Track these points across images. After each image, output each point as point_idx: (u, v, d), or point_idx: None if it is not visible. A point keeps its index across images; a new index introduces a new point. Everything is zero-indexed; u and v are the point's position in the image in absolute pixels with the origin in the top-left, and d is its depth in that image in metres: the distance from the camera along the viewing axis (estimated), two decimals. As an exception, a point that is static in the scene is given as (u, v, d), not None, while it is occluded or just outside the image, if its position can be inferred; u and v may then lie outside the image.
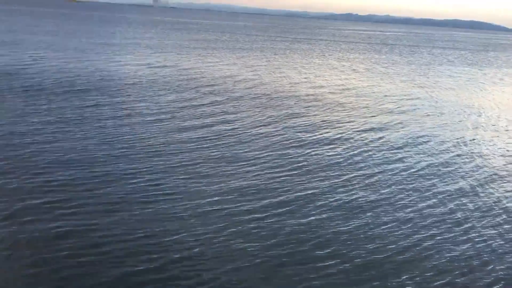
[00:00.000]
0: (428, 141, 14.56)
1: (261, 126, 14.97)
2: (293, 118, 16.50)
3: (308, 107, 18.66)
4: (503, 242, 8.13)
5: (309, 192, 9.72)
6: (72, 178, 9.54)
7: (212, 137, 13.24)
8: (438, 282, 6.80)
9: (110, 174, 9.95)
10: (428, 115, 18.69)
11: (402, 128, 16.13)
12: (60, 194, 8.78)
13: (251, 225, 8.06)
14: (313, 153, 12.39)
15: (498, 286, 6.83)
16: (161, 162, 10.89)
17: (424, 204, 9.51)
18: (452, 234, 8.28)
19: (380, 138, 14.49)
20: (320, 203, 9.19)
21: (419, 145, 14.05)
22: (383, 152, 13.00)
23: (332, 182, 10.36)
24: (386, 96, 22.55)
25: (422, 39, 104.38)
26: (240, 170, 10.74)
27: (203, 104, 17.85)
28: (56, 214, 7.98)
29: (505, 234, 8.46)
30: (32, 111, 14.86)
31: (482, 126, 17.31)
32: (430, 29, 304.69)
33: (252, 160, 11.47)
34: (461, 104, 21.58)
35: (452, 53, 59.82)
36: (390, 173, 11.27)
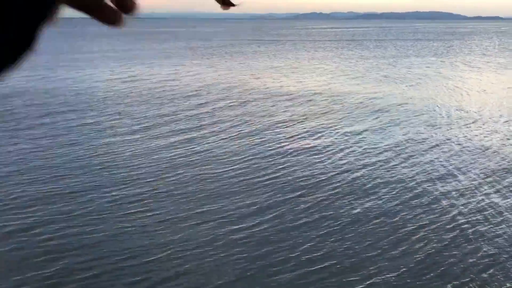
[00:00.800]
0: (408, 136, 14.79)
1: (241, 132, 14.94)
2: (272, 124, 16.54)
3: (287, 109, 18.74)
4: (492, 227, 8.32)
5: (298, 199, 9.75)
6: (42, 197, 9.34)
7: (191, 150, 13.14)
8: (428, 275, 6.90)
9: (83, 191, 9.78)
10: (404, 109, 19.01)
11: (381, 123, 16.36)
12: (30, 212, 8.59)
13: (240, 237, 8.02)
14: (295, 159, 12.41)
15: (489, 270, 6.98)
16: (137, 180, 10.73)
17: (408, 196, 9.66)
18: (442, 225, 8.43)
19: (361, 138, 14.57)
20: (308, 206, 9.23)
21: (399, 141, 14.25)
22: (366, 151, 13.12)
23: (317, 187, 10.41)
24: (360, 92, 22.84)
25: (387, 33, 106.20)
26: (224, 182, 10.70)
27: (179, 117, 17.73)
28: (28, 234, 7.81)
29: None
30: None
31: (458, 114, 17.71)
32: (393, 22, 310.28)
33: (236, 168, 11.40)
34: (434, 94, 22.03)
35: (417, 45, 61.03)
36: (374, 172, 11.39)
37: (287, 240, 7.69)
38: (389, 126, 15.79)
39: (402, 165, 11.61)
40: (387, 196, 9.59)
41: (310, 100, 20.43)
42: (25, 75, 28.47)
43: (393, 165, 11.56)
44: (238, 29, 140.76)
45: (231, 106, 19.35)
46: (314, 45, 61.54)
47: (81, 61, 38.45)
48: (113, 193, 9.63)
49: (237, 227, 8.16)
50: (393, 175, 10.86)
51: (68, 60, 38.80)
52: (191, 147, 13.16)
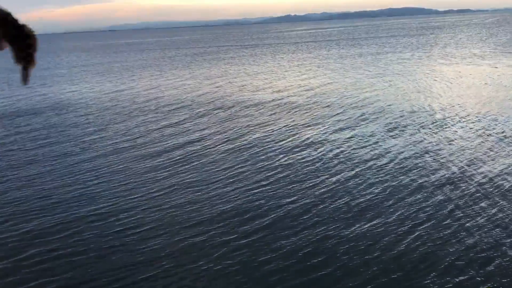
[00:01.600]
0: (398, 131, 14.79)
1: (228, 141, 14.66)
2: (259, 127, 16.35)
3: (271, 114, 18.58)
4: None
5: (290, 202, 9.58)
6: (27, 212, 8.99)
7: (180, 160, 12.88)
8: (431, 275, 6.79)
9: (67, 206, 9.46)
10: (389, 104, 19.04)
11: (369, 121, 16.33)
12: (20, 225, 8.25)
13: (235, 245, 7.81)
14: (286, 161, 12.24)
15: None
16: (127, 194, 10.45)
17: (405, 195, 9.57)
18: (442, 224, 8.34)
19: (351, 135, 14.51)
20: (303, 211, 9.06)
21: (391, 137, 14.21)
22: (357, 149, 13.05)
23: (311, 188, 10.26)
24: (345, 91, 22.84)
25: (362, 31, 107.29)
26: (215, 190, 10.49)
27: (164, 126, 17.47)
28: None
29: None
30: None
31: (443, 105, 17.79)
32: (367, 20, 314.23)
33: (225, 178, 11.17)
34: (418, 88, 22.15)
35: (394, 41, 61.69)
36: (368, 170, 11.31)
37: (284, 247, 7.47)
38: (377, 125, 15.76)
39: (393, 163, 11.54)
40: (383, 195, 9.48)
41: (296, 106, 20.33)
42: (7, 94, 27.83)
43: (383, 164, 11.48)
44: (212, 36, 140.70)
45: (215, 114, 19.14)
46: (292, 48, 61.72)
47: (64, 76, 37.81)
48: (99, 209, 9.32)
49: (231, 237, 7.90)
50: (384, 174, 10.77)
51: (49, 76, 38.14)
52: (179, 158, 12.92)
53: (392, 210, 8.72)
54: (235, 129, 15.96)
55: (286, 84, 26.46)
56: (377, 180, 10.31)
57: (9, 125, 18.67)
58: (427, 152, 12.17)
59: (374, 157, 11.99)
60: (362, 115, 16.98)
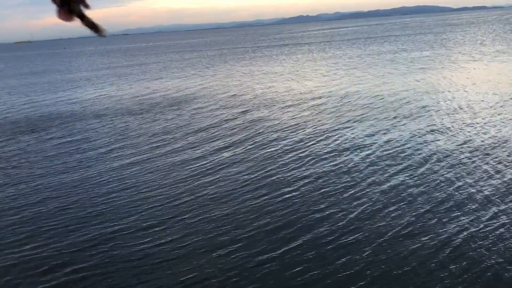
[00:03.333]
0: (440, 131, 14.62)
1: (258, 146, 14.66)
2: (288, 130, 16.34)
3: (303, 115, 18.51)
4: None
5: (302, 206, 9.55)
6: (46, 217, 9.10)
7: (210, 167, 12.90)
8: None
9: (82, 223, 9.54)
10: (424, 103, 18.86)
11: (407, 121, 16.18)
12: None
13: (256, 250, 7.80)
14: (322, 166, 12.20)
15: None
16: (157, 205, 10.48)
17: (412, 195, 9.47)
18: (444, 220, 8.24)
19: (378, 140, 14.38)
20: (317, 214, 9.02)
21: (434, 138, 14.08)
22: (384, 155, 12.92)
23: (340, 199, 10.20)
24: (367, 91, 22.68)
25: (377, 30, 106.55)
26: (235, 202, 10.48)
27: (190, 131, 17.54)
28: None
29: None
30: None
31: (464, 104, 17.56)
32: (381, 19, 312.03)
33: (256, 187, 10.96)
34: (448, 85, 21.91)
35: (410, 39, 61.13)
36: (376, 173, 11.20)
37: (311, 262, 7.09)
38: (407, 124, 15.61)
39: (439, 167, 11.42)
40: (419, 203, 9.39)
41: (319, 104, 20.25)
42: (23, 99, 28.25)
43: (410, 166, 11.37)
44: (226, 38, 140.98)
45: (240, 118, 19.15)
46: (308, 48, 61.53)
47: (83, 80, 38.25)
48: (116, 221, 9.29)
49: (253, 251, 7.47)
50: (415, 177, 10.67)
51: (66, 81, 38.63)
52: (209, 164, 12.89)
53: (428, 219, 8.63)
54: (263, 133, 15.92)
55: (307, 84, 26.39)
56: (429, 183, 10.22)
57: (36, 130, 18.93)
58: (479, 153, 11.65)
59: (421, 159, 11.82)
60: (398, 116, 16.78)
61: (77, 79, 39.22)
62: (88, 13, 2.53)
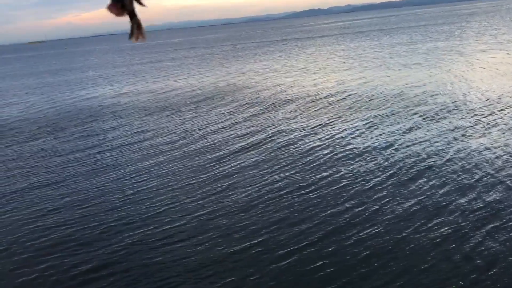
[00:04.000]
0: (465, 132, 14.50)
1: (258, 142, 14.74)
2: (309, 126, 16.32)
3: (319, 112, 18.53)
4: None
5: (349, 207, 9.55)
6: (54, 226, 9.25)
7: (227, 161, 12.96)
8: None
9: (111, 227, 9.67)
10: (442, 100, 18.69)
11: (425, 116, 16.08)
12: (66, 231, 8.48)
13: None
14: (335, 169, 12.19)
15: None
16: (171, 199, 10.56)
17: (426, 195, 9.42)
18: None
19: (406, 135, 14.30)
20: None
21: (460, 137, 13.97)
22: (412, 150, 12.85)
23: (362, 196, 10.19)
24: (390, 84, 22.54)
25: (391, 22, 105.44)
26: (264, 195, 10.52)
27: (205, 125, 17.63)
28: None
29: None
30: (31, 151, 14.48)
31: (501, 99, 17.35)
32: (392, 11, 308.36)
33: (272, 180, 10.99)
34: (470, 79, 21.68)
35: (425, 30, 60.38)
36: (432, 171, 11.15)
37: (329, 261, 6.99)
38: (427, 120, 15.49)
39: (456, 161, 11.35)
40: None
41: (336, 100, 20.18)
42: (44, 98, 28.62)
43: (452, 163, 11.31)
44: (238, 34, 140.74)
45: (256, 113, 19.18)
46: (322, 41, 61.17)
47: (99, 78, 38.56)
48: (143, 215, 9.46)
49: (272, 250, 7.43)
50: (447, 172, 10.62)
51: (81, 79, 38.98)
52: (222, 162, 12.95)
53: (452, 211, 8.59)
54: (282, 131, 15.94)
55: (330, 79, 26.30)
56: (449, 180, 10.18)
57: (55, 129, 19.19)
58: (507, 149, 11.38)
59: (443, 156, 11.77)
60: (418, 112, 16.59)
61: (93, 78, 39.60)
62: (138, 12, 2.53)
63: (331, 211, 8.47)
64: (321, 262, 6.87)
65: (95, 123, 18.96)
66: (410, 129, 13.39)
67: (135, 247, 7.80)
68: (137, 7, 2.59)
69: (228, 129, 15.86)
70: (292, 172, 10.75)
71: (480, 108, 15.08)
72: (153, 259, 7.37)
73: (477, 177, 9.39)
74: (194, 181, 10.86)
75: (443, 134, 12.65)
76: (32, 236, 8.57)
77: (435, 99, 17.08)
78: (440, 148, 11.47)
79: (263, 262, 7.00)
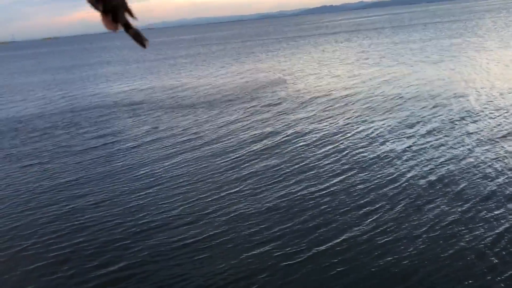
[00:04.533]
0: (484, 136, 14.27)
1: (273, 136, 14.64)
2: (336, 125, 16.22)
3: (345, 111, 18.39)
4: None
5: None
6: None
7: (245, 159, 12.91)
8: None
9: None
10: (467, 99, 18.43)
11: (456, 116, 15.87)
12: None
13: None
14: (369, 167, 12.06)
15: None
16: (190, 200, 10.52)
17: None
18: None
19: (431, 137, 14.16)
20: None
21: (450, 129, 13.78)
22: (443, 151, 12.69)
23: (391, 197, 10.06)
24: (398, 80, 22.31)
25: (404, 19, 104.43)
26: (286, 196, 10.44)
27: (223, 123, 17.58)
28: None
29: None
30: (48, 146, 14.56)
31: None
32: (406, 7, 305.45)
33: (296, 181, 10.99)
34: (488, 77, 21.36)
35: (440, 27, 59.67)
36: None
37: (348, 259, 6.95)
38: (445, 114, 15.27)
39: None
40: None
41: (351, 94, 20.01)
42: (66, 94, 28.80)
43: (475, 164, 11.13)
44: (251, 30, 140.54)
45: (271, 107, 19.10)
46: (335, 38, 60.77)
47: (119, 74, 38.75)
48: (159, 219, 9.43)
49: (288, 246, 7.58)
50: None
51: (93, 76, 39.21)
52: (237, 157, 12.90)
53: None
54: (297, 125, 15.83)
55: (344, 74, 26.10)
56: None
57: (70, 125, 19.30)
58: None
59: (463, 150, 11.59)
60: (436, 106, 16.40)
61: (107, 74, 39.79)
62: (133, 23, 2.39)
63: (351, 214, 8.37)
64: (340, 268, 6.78)
65: (110, 120, 19.02)
66: (434, 131, 13.18)
67: (152, 250, 7.76)
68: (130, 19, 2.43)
69: (245, 128, 15.76)
70: (311, 174, 10.60)
71: (492, 102, 14.84)
72: (169, 262, 7.33)
73: (504, 184, 9.16)
74: (206, 173, 10.91)
75: (469, 135, 12.42)
76: (52, 236, 8.58)
77: (448, 93, 16.83)
78: (464, 151, 11.27)
79: (285, 266, 6.93)
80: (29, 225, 9.05)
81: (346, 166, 10.66)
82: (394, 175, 9.81)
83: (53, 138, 16.55)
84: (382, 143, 12.16)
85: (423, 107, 15.77)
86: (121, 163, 12.66)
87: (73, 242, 8.16)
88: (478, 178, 9.22)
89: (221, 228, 8.13)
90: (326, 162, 11.14)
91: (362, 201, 8.68)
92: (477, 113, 14.21)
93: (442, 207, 8.14)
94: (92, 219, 9.06)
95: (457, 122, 13.48)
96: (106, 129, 17.28)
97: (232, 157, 12.29)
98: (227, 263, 7.03)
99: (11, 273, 7.27)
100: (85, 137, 16.38)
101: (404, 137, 12.53)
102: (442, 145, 11.55)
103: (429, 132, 12.77)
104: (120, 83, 32.11)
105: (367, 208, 8.36)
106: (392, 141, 12.36)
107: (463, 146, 11.33)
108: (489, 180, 9.08)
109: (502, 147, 10.97)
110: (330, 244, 7.26)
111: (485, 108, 14.78)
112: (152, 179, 11.11)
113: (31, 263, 7.53)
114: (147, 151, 13.75)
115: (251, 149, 12.86)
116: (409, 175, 9.77)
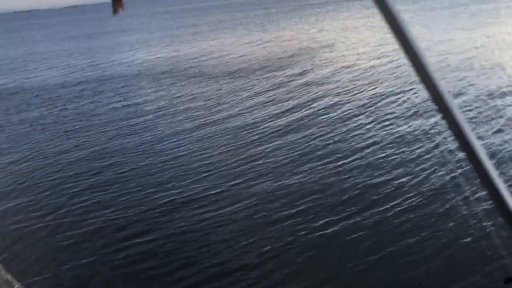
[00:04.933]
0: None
1: (297, 108, 14.32)
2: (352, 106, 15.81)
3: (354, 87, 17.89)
4: None
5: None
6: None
7: (263, 136, 12.69)
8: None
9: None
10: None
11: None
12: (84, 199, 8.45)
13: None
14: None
15: None
16: (201, 180, 10.40)
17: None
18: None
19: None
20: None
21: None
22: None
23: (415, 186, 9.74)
24: (428, 48, 21.56)
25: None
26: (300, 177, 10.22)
27: (242, 98, 17.33)
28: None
29: None
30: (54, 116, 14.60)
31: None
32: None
33: (312, 162, 10.81)
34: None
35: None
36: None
37: (374, 239, 6.87)
38: (478, 85, 14.68)
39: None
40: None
41: (379, 65, 19.43)
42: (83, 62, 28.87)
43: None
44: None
45: (295, 78, 18.71)
46: (360, 3, 59.03)
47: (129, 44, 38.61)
48: (173, 198, 9.33)
49: (312, 224, 7.50)
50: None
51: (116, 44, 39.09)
52: (260, 130, 12.68)
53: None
54: (321, 97, 15.49)
55: (371, 41, 25.36)
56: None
57: (94, 94, 19.29)
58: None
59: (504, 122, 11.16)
60: (467, 76, 15.83)
61: (130, 42, 39.59)
62: None
63: (371, 180, 8.15)
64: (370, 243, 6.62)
65: (134, 90, 18.95)
66: (458, 94, 12.71)
67: (180, 224, 7.72)
68: None
69: (261, 94, 15.51)
70: (337, 148, 10.38)
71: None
72: (197, 235, 7.28)
73: None
74: (229, 146, 10.81)
75: (494, 98, 11.95)
76: (82, 205, 8.65)
77: (482, 62, 16.15)
78: (494, 113, 10.85)
79: (314, 238, 6.81)
80: (58, 195, 9.11)
81: (374, 140, 10.35)
82: (430, 152, 9.47)
83: (79, 108, 16.59)
84: (411, 116, 11.75)
85: (461, 78, 15.15)
86: (146, 135, 12.60)
87: (103, 212, 8.20)
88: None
89: (248, 203, 8.02)
90: (353, 136, 10.84)
91: (391, 176, 8.43)
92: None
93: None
94: (119, 191, 9.06)
95: (490, 93, 12.94)
96: (130, 99, 17.22)
97: (256, 129, 12.07)
98: (255, 237, 6.94)
99: (42, 244, 7.34)
100: (109, 107, 16.36)
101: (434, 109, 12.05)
102: (478, 114, 11.12)
103: (468, 105, 12.25)
104: (144, 52, 31.93)
105: (399, 182, 8.12)
106: (426, 116, 11.85)
107: (499, 118, 10.89)
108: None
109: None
110: (354, 219, 7.10)
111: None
112: (177, 151, 11.02)
113: (62, 234, 7.59)
114: (172, 122, 13.65)
115: (277, 123, 12.60)
116: (449, 147, 9.42)
